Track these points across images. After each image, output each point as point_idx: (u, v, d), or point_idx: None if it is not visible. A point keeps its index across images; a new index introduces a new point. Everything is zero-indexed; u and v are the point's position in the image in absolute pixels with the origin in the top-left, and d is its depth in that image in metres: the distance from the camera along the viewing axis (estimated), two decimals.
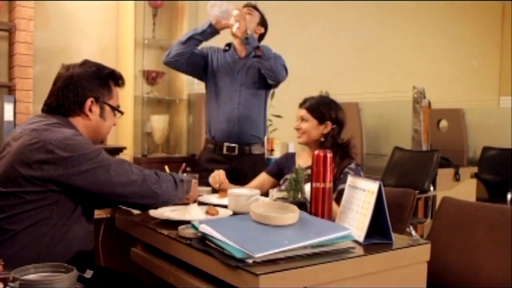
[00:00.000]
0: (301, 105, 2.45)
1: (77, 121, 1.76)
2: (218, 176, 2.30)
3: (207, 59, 3.04)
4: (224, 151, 2.94)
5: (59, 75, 1.79)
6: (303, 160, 2.43)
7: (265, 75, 2.91)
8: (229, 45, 3.08)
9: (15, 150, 1.61)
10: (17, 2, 3.34)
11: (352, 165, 2.27)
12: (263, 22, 3.06)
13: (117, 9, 4.02)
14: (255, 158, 3.00)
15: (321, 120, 2.37)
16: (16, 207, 1.59)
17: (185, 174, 2.03)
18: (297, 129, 2.42)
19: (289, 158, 2.54)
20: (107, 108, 1.81)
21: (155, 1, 4.03)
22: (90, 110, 1.76)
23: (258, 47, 2.81)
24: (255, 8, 3.04)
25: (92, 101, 1.76)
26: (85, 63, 1.82)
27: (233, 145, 2.94)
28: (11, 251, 1.57)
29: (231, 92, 2.97)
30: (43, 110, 1.80)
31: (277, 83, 3.04)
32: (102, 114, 1.80)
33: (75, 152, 1.59)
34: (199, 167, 2.98)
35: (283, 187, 2.07)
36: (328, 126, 2.38)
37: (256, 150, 3.02)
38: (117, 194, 1.65)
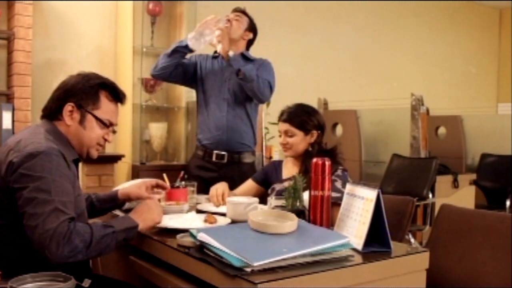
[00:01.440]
0: (281, 118, 2.39)
1: (60, 126, 1.74)
2: (220, 196, 2.25)
3: (196, 67, 3.03)
4: (214, 158, 2.92)
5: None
6: (288, 169, 2.41)
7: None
8: (215, 56, 3.05)
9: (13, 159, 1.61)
10: (16, 10, 3.35)
11: (339, 172, 2.25)
12: (251, 27, 3.01)
13: (116, 17, 4.03)
14: (245, 167, 2.96)
15: (306, 130, 2.34)
16: (11, 216, 1.58)
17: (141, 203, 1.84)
18: (283, 144, 2.38)
19: (276, 166, 2.53)
20: (89, 117, 1.74)
21: (154, 7, 4.04)
22: (71, 116, 1.72)
23: (239, 70, 2.75)
24: (244, 13, 2.99)
25: (72, 106, 1.72)
26: (82, 73, 1.80)
27: (223, 153, 2.92)
28: (7, 263, 1.56)
29: (220, 100, 2.94)
30: (40, 117, 1.80)
31: (262, 102, 3.07)
32: (82, 122, 1.74)
33: (24, 169, 1.53)
34: (189, 173, 2.92)
35: (272, 196, 2.05)
36: (314, 135, 2.36)
37: (246, 158, 2.99)
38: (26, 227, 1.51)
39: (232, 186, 2.44)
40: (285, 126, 2.36)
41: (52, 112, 1.75)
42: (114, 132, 1.84)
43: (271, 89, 2.95)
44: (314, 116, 2.37)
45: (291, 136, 2.35)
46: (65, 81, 1.78)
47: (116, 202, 2.04)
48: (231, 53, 2.77)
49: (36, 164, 1.53)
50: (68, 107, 1.72)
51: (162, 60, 2.90)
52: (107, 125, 1.79)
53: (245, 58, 2.94)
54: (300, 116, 2.35)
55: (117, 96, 1.81)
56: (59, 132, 1.72)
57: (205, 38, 2.76)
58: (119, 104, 1.83)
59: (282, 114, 2.40)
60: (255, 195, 2.32)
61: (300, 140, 2.34)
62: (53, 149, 1.59)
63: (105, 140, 1.81)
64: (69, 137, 1.74)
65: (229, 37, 2.83)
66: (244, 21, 2.97)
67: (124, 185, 2.25)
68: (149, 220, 1.71)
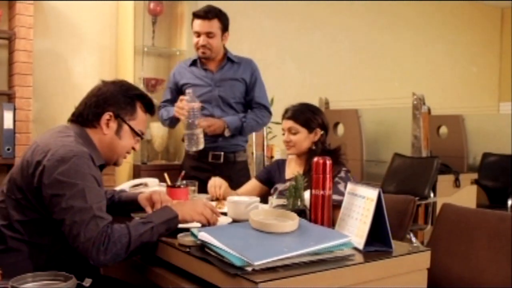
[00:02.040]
0: (285, 116, 2.40)
1: (94, 133, 1.75)
2: (218, 188, 2.27)
3: (178, 86, 3.01)
4: (210, 159, 2.91)
5: (92, 88, 1.81)
6: (291, 169, 2.41)
7: None
8: (194, 61, 2.99)
9: (25, 158, 1.65)
10: (17, 10, 3.35)
11: (342, 174, 2.25)
12: (226, 26, 2.91)
13: (117, 17, 4.03)
14: (240, 165, 2.99)
15: (310, 128, 2.35)
16: (18, 216, 1.60)
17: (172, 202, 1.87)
18: (287, 141, 2.38)
19: (280, 165, 2.53)
20: (125, 127, 1.78)
21: (155, 7, 4.04)
22: (108, 125, 1.75)
23: (240, 133, 2.92)
24: (218, 15, 2.85)
25: (110, 116, 1.74)
26: (120, 81, 1.84)
27: (219, 153, 2.92)
28: (11, 260, 1.56)
29: (211, 107, 2.91)
30: (68, 120, 1.81)
31: None
32: (118, 132, 1.77)
33: (60, 175, 1.54)
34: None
35: (274, 196, 2.06)
36: (318, 133, 2.36)
37: (240, 157, 3.01)
38: (67, 235, 1.53)
39: (229, 185, 2.44)
40: (289, 123, 2.37)
41: (86, 118, 1.75)
42: (142, 139, 1.88)
43: (268, 110, 3.03)
44: (318, 115, 2.38)
45: (294, 134, 2.35)
46: (101, 88, 1.78)
47: (135, 205, 2.01)
48: (227, 133, 2.85)
49: (70, 169, 1.55)
50: (106, 115, 1.74)
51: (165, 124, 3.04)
52: (140, 136, 1.83)
53: (230, 60, 2.95)
54: (305, 114, 2.36)
55: (151, 108, 1.86)
56: (89, 138, 1.74)
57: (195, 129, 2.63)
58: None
59: (286, 112, 2.41)
60: (259, 195, 2.34)
61: (304, 138, 2.35)
62: (85, 152, 1.61)
63: (133, 149, 1.85)
64: (100, 144, 1.76)
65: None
66: (217, 29, 2.86)
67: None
68: (188, 216, 1.69)
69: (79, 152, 1.60)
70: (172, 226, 1.64)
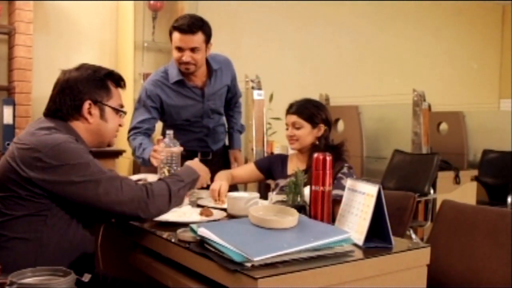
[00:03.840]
0: (289, 111, 2.40)
1: (77, 125, 1.74)
2: (217, 192, 2.22)
3: (162, 105, 2.71)
4: (199, 157, 2.75)
5: (57, 81, 1.77)
6: (293, 165, 2.41)
7: None
8: (178, 81, 2.67)
9: (10, 154, 1.62)
10: (16, 5, 3.35)
11: (345, 169, 2.25)
12: (209, 36, 2.62)
13: (117, 12, 4.02)
14: (226, 153, 3.03)
15: (314, 123, 2.35)
16: (9, 213, 1.58)
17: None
18: (290, 136, 2.39)
19: (283, 159, 2.53)
20: (107, 109, 1.77)
21: (155, 2, 4.03)
22: (90, 113, 1.73)
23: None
24: (202, 27, 2.56)
25: (90, 104, 1.73)
26: (82, 66, 1.80)
27: (207, 151, 2.90)
28: (6, 259, 1.55)
29: (203, 120, 2.81)
30: (44, 115, 1.77)
31: None
32: (102, 116, 1.76)
33: (64, 161, 1.55)
34: None
35: (275, 192, 2.05)
36: (321, 129, 2.36)
37: (223, 145, 3.04)
38: (104, 210, 1.60)
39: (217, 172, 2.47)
40: (292, 118, 2.37)
41: (67, 113, 1.73)
42: (125, 114, 1.87)
43: (241, 95, 3.11)
44: (322, 111, 2.39)
45: (298, 128, 2.35)
46: (68, 79, 1.74)
47: None
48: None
49: (71, 152, 1.58)
50: (86, 105, 1.73)
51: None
52: (123, 111, 1.84)
53: (210, 70, 2.73)
54: (309, 109, 2.36)
55: (121, 81, 1.85)
56: (71, 129, 1.72)
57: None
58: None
59: (290, 107, 2.41)
60: (254, 180, 2.52)
61: (307, 133, 2.35)
62: (71, 137, 1.65)
63: (120, 125, 1.86)
64: (88, 133, 1.75)
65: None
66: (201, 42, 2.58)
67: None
68: (204, 179, 1.90)
69: (66, 137, 1.62)
70: (193, 186, 1.82)
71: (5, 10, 3.50)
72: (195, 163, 1.91)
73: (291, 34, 5.35)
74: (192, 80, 2.70)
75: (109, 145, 1.89)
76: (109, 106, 1.78)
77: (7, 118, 3.29)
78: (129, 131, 2.67)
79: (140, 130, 2.65)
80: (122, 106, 1.84)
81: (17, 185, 1.57)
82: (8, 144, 3.26)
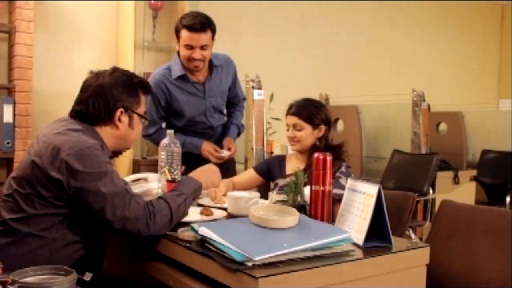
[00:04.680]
0: (290, 112, 2.40)
1: (104, 130, 1.75)
2: (219, 191, 2.21)
3: (167, 102, 2.77)
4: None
5: (88, 83, 1.77)
6: (292, 165, 2.41)
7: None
8: (182, 76, 2.73)
9: (34, 152, 1.63)
10: (17, 4, 3.34)
11: (343, 169, 2.27)
12: (214, 32, 2.68)
13: (117, 11, 4.02)
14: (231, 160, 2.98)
15: (314, 124, 2.35)
16: (29, 210, 1.60)
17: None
18: (291, 137, 2.39)
19: (281, 160, 2.53)
20: (135, 117, 1.80)
21: (155, 2, 4.03)
22: (120, 120, 1.75)
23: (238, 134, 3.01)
24: (211, 25, 2.62)
25: (121, 111, 1.75)
26: (115, 71, 1.80)
27: None
28: (21, 252, 1.58)
29: (206, 118, 2.84)
30: (71, 115, 1.78)
31: None
32: (131, 124, 1.79)
33: (84, 167, 1.56)
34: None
35: (275, 192, 2.06)
36: (322, 129, 2.37)
37: None
38: (107, 221, 1.59)
39: (225, 172, 2.43)
40: (293, 120, 2.37)
41: (99, 118, 1.74)
42: (148, 121, 1.93)
43: (245, 99, 3.15)
44: (322, 111, 2.39)
45: (299, 130, 2.35)
46: (103, 85, 1.74)
47: None
48: (226, 154, 2.78)
49: (92, 159, 1.58)
50: (118, 112, 1.74)
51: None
52: (148, 119, 1.88)
53: (211, 66, 2.77)
54: (309, 110, 2.36)
55: (149, 88, 1.87)
56: (96, 133, 1.74)
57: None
58: None
59: (290, 107, 2.41)
60: (254, 185, 2.45)
61: (308, 134, 2.35)
62: (97, 143, 1.65)
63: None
64: (113, 139, 1.77)
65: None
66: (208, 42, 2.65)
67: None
68: (209, 182, 1.90)
69: (93, 143, 1.63)
70: (198, 195, 1.81)
71: (6, 9, 3.50)
72: (199, 172, 1.91)
73: (291, 33, 5.35)
74: (194, 75, 2.75)
75: (128, 149, 1.92)
76: (138, 114, 1.80)
77: (7, 116, 3.28)
78: (145, 130, 2.71)
79: (158, 128, 2.80)
80: (145, 113, 1.87)
81: (40, 184, 1.59)
82: (8, 143, 3.26)
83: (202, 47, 2.61)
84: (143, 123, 1.88)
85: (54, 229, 1.61)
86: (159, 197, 1.70)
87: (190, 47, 2.60)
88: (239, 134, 3.05)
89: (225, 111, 3.00)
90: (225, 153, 2.77)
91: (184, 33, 2.59)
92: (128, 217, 1.57)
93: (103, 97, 1.73)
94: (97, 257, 1.75)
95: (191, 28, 2.56)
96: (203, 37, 2.58)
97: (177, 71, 2.71)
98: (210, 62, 2.76)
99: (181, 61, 2.70)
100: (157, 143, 2.52)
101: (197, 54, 2.60)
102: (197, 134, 2.84)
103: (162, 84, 2.71)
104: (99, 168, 1.58)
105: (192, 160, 2.81)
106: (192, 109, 2.78)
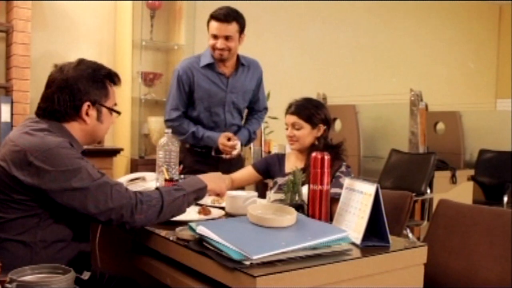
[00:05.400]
0: (289, 111, 2.40)
1: (72, 126, 1.69)
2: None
3: (192, 89, 2.89)
4: (213, 153, 2.90)
5: (52, 78, 1.70)
6: (291, 164, 2.41)
7: None
8: (209, 65, 2.87)
9: (2, 156, 1.58)
10: (14, 3, 3.34)
11: (343, 168, 2.27)
12: (243, 27, 2.84)
13: (115, 11, 4.02)
14: (238, 157, 3.00)
15: (313, 124, 2.35)
16: (2, 215, 1.56)
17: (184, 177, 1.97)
18: (290, 136, 2.40)
19: (280, 158, 2.54)
20: (104, 110, 1.73)
21: (153, 1, 4.03)
22: (87, 114, 1.68)
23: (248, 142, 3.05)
24: (237, 18, 2.78)
25: (89, 105, 1.68)
26: (80, 63, 1.73)
27: None
28: (2, 260, 1.54)
29: (223, 112, 2.92)
30: (36, 114, 1.73)
31: None
32: (99, 118, 1.72)
33: (55, 167, 1.51)
34: (184, 168, 2.82)
35: (273, 191, 2.06)
36: (321, 129, 2.37)
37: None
38: (91, 216, 1.55)
39: (233, 169, 2.58)
40: (292, 119, 2.37)
41: (65, 113, 1.67)
42: (118, 114, 1.82)
43: (267, 109, 3.16)
44: (321, 110, 2.39)
45: (298, 129, 2.35)
46: (68, 79, 1.67)
47: None
48: (235, 152, 2.85)
49: (62, 157, 1.53)
50: (85, 106, 1.67)
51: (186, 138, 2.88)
52: (118, 112, 1.80)
53: (239, 63, 2.91)
54: (308, 109, 2.36)
55: (117, 80, 1.80)
56: (64, 130, 1.68)
57: None
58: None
59: (290, 106, 2.41)
60: (253, 182, 2.52)
61: (307, 134, 2.35)
62: (64, 141, 1.59)
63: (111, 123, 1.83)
64: (82, 133, 1.71)
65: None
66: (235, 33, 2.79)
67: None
68: (217, 186, 1.82)
69: (60, 141, 1.57)
70: (201, 195, 1.73)
71: (3, 8, 3.50)
72: (208, 175, 1.84)
73: (288, 33, 5.35)
74: (221, 67, 2.87)
75: (99, 143, 1.87)
76: (106, 107, 1.73)
77: (5, 116, 3.28)
78: (168, 114, 2.90)
79: (180, 114, 2.89)
80: (116, 105, 1.79)
81: (9, 188, 1.54)
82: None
83: (226, 38, 2.74)
84: (114, 116, 1.80)
85: (32, 231, 1.56)
86: (156, 188, 1.68)
87: (215, 36, 2.76)
88: (249, 140, 3.05)
89: (243, 114, 3.04)
90: (237, 142, 2.82)
91: (211, 23, 2.77)
92: (112, 207, 1.53)
93: (68, 92, 1.65)
94: (83, 253, 1.70)
95: (216, 18, 2.73)
96: (227, 28, 2.73)
97: (206, 59, 2.85)
98: (238, 60, 2.90)
99: (210, 52, 2.83)
100: (175, 132, 2.72)
101: (221, 43, 2.74)
102: (209, 128, 2.90)
103: (188, 70, 2.86)
104: (71, 166, 1.52)
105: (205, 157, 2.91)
106: (211, 98, 2.87)
